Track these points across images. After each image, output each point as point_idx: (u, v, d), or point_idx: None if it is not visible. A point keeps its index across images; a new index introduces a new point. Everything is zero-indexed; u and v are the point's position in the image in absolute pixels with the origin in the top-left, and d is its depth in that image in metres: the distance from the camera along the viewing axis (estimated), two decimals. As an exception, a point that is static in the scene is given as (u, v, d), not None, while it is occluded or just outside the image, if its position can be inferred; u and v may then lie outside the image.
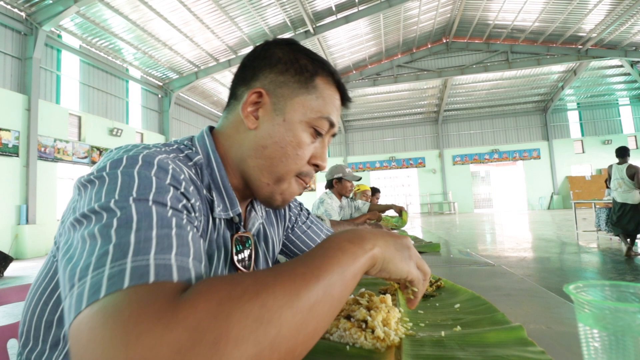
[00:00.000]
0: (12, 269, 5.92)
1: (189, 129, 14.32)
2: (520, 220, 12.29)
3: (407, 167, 20.33)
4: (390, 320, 0.58)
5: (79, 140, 9.57)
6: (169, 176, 0.42)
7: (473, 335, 0.54)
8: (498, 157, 19.53)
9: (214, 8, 9.82)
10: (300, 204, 0.86)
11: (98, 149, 9.93)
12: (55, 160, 8.67)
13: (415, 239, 1.83)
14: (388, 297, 0.62)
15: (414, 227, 11.37)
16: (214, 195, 0.53)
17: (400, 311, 0.63)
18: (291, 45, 0.57)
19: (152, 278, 0.30)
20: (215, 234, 0.54)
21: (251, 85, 0.55)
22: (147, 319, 0.26)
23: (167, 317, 0.26)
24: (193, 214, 0.44)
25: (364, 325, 0.56)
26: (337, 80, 0.58)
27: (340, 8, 11.62)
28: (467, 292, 0.78)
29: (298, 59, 0.55)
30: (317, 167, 0.58)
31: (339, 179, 2.95)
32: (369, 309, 0.61)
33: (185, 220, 0.39)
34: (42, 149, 8.29)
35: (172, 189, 0.41)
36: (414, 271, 0.47)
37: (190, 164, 0.52)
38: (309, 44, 12.90)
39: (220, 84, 14.22)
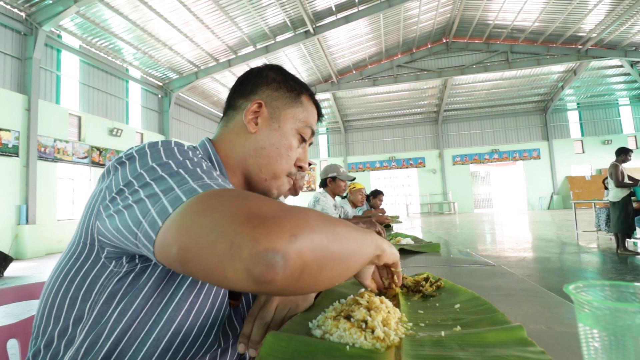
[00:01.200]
0: (12, 269, 5.92)
1: (189, 129, 14.32)
2: (520, 220, 12.29)
3: (407, 167, 20.34)
4: (390, 321, 0.58)
5: (79, 140, 9.57)
6: (198, 154, 0.53)
7: (473, 335, 0.54)
8: (498, 157, 19.53)
9: (214, 8, 9.83)
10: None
11: (98, 149, 9.93)
12: (55, 160, 8.67)
13: (415, 239, 1.83)
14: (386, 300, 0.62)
15: (414, 227, 11.37)
16: None
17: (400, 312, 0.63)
18: (280, 69, 0.71)
19: (216, 187, 0.40)
20: None
21: (251, 98, 0.67)
22: (245, 194, 0.37)
23: (259, 195, 0.38)
24: None
25: (363, 326, 0.56)
26: (315, 100, 0.74)
27: (340, 8, 11.62)
28: (467, 292, 0.78)
29: (288, 80, 0.69)
30: (301, 169, 0.70)
31: (333, 178, 2.99)
32: (368, 309, 0.61)
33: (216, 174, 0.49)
34: (42, 149, 8.29)
35: (203, 161, 0.51)
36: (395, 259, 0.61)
37: None
38: (309, 44, 12.92)
39: (220, 84, 14.22)
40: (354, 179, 3.11)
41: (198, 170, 0.44)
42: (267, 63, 0.74)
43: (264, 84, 0.68)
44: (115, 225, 0.43)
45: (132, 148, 0.51)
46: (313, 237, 0.34)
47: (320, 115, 0.75)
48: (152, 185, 0.41)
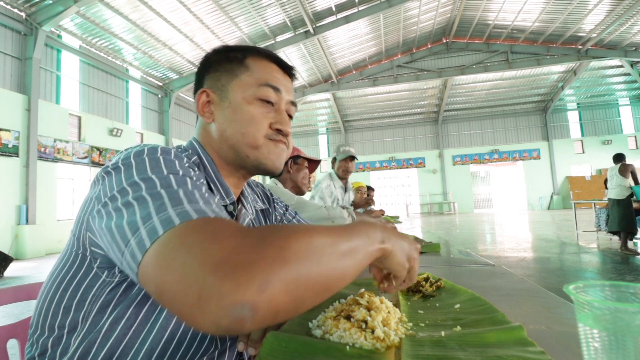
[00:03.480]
0: (12, 269, 5.92)
1: (189, 129, 14.31)
2: (520, 221, 12.29)
3: (407, 167, 20.34)
4: (390, 321, 0.58)
5: (79, 140, 9.57)
6: (184, 161, 0.51)
7: (473, 335, 0.54)
8: (498, 157, 19.53)
9: (214, 8, 9.83)
10: (286, 205, 0.91)
11: (98, 149, 9.93)
12: (55, 160, 8.67)
13: (415, 238, 1.83)
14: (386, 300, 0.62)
15: (414, 227, 11.37)
16: (212, 187, 0.61)
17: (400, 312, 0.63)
18: (220, 49, 0.66)
19: (195, 216, 0.37)
20: None
21: (198, 91, 0.65)
22: (221, 230, 0.34)
23: (236, 229, 0.35)
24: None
25: (363, 326, 0.56)
26: (267, 54, 0.65)
27: (340, 8, 11.62)
28: (467, 292, 0.78)
29: (227, 54, 0.64)
30: (280, 132, 0.63)
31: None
32: (368, 309, 0.61)
33: (204, 189, 0.47)
34: (42, 149, 8.29)
35: (191, 170, 0.49)
36: (403, 274, 0.54)
37: (191, 161, 0.59)
38: (309, 44, 12.91)
39: (220, 84, 14.22)
40: (353, 157, 2.82)
41: (180, 192, 0.41)
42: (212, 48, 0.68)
43: (205, 72, 0.65)
44: (103, 242, 0.43)
45: (120, 154, 0.49)
46: (289, 275, 0.32)
47: (284, 68, 0.66)
48: (134, 208, 0.40)
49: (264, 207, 0.81)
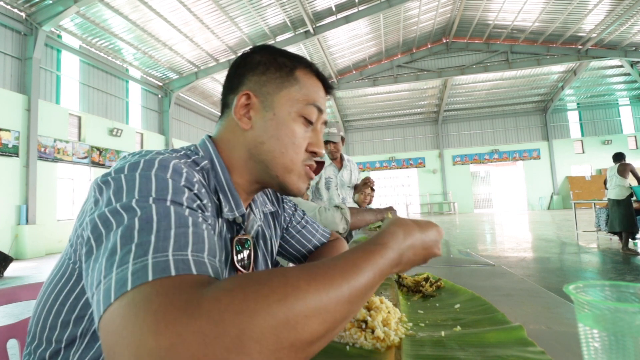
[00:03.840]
0: (12, 269, 5.92)
1: (189, 129, 14.31)
2: (520, 221, 12.29)
3: (407, 167, 20.34)
4: (390, 321, 0.58)
5: (79, 140, 9.57)
6: (183, 178, 0.45)
7: (473, 335, 0.54)
8: (498, 157, 19.53)
9: (214, 8, 9.83)
10: (295, 205, 0.88)
11: (98, 149, 9.93)
12: (55, 160, 8.67)
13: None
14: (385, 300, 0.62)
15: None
16: (220, 197, 0.57)
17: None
18: (267, 48, 0.62)
19: (173, 272, 0.32)
20: (221, 236, 0.58)
21: (239, 91, 0.59)
22: (174, 309, 0.28)
23: (192, 308, 0.28)
24: (207, 213, 0.47)
25: (363, 326, 0.56)
26: (316, 71, 0.62)
27: (340, 8, 11.62)
28: (467, 292, 0.78)
29: (276, 58, 0.60)
30: (315, 154, 0.61)
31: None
32: (368, 309, 0.61)
33: (200, 219, 0.41)
34: (42, 149, 8.29)
35: (186, 190, 0.44)
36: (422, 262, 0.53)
37: (197, 168, 0.54)
38: (309, 44, 12.91)
39: (220, 84, 14.20)
40: (331, 136, 2.55)
41: (171, 231, 0.36)
42: (257, 45, 0.64)
43: (249, 71, 0.60)
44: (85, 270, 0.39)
45: (117, 163, 0.46)
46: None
47: (328, 88, 0.64)
48: (118, 238, 0.35)
49: (273, 210, 0.78)
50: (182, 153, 0.55)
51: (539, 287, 0.84)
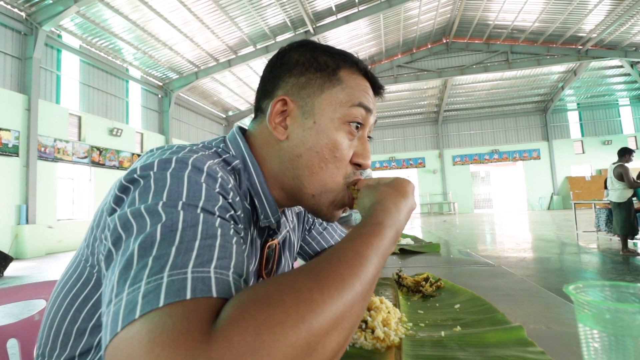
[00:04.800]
0: (12, 269, 5.92)
1: (189, 129, 14.31)
2: (520, 221, 12.29)
3: (407, 168, 20.33)
4: (390, 321, 0.58)
5: (79, 140, 9.57)
6: (218, 184, 0.41)
7: (473, 335, 0.54)
8: (498, 158, 19.53)
9: (214, 8, 9.83)
10: None
11: (98, 149, 9.93)
12: (55, 160, 8.67)
13: (415, 239, 1.84)
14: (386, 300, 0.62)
15: (414, 227, 11.37)
16: (255, 202, 0.52)
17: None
18: (307, 45, 0.54)
19: (189, 294, 0.28)
20: (252, 242, 0.53)
21: (274, 96, 0.52)
22: (180, 353, 0.24)
23: (200, 351, 0.24)
24: (239, 225, 0.42)
25: (363, 326, 0.56)
26: (364, 69, 0.54)
27: (340, 8, 11.62)
28: (467, 292, 0.78)
29: (316, 56, 0.52)
30: (359, 167, 0.53)
31: None
32: (368, 309, 0.61)
33: (232, 231, 0.37)
34: (42, 149, 8.29)
35: (221, 198, 0.39)
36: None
37: (228, 168, 0.49)
38: (309, 44, 12.90)
39: (220, 84, 14.22)
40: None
41: (195, 243, 0.32)
42: (296, 41, 0.56)
43: (286, 72, 0.52)
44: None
45: (154, 155, 0.42)
46: None
47: (377, 88, 0.56)
48: (136, 248, 0.32)
49: (297, 211, 0.73)
50: (213, 150, 0.50)
51: (539, 287, 0.84)
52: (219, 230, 0.35)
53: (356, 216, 2.06)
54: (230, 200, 0.41)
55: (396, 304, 0.75)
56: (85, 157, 9.54)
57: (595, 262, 4.86)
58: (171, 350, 0.24)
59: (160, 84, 12.61)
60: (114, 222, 0.36)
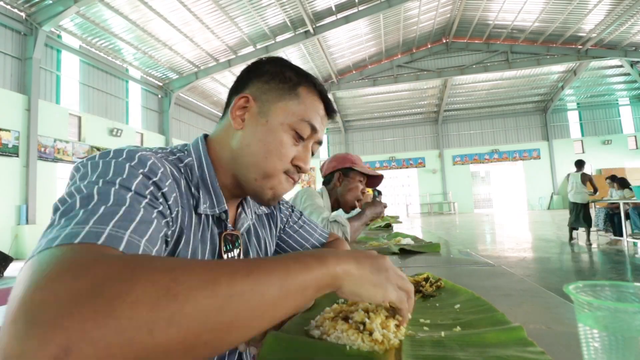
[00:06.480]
0: (12, 269, 5.91)
1: (189, 129, 14.31)
2: (520, 220, 12.28)
3: (407, 167, 20.34)
4: (390, 324, 0.57)
5: (79, 140, 9.57)
6: (146, 168, 0.47)
7: (473, 335, 0.54)
8: (498, 157, 19.53)
9: (214, 8, 9.83)
10: (292, 206, 0.90)
11: (98, 149, 9.92)
12: (55, 160, 8.67)
13: (415, 239, 1.83)
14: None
15: (414, 227, 11.37)
16: (200, 192, 0.58)
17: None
18: (279, 61, 0.63)
19: (78, 239, 0.34)
20: (201, 229, 0.59)
21: (240, 93, 0.62)
22: (63, 268, 0.29)
23: (78, 268, 0.28)
24: (163, 202, 0.48)
25: (362, 327, 0.56)
26: (320, 91, 0.63)
27: (340, 8, 11.62)
28: (467, 292, 0.78)
29: (284, 71, 0.61)
30: (299, 169, 0.62)
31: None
32: (367, 311, 0.61)
33: (144, 203, 0.43)
34: (42, 149, 8.29)
35: (141, 176, 0.46)
36: (393, 293, 0.46)
37: (180, 165, 0.58)
38: (309, 44, 12.91)
39: (220, 84, 14.22)
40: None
41: (100, 206, 0.38)
42: (272, 56, 0.66)
43: (255, 77, 0.62)
44: None
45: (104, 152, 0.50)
46: (107, 337, 0.24)
47: (330, 111, 0.65)
48: (61, 214, 0.40)
49: (267, 212, 0.79)
50: (168, 150, 0.59)
51: (539, 287, 0.84)
52: (128, 201, 0.41)
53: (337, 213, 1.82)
54: (155, 180, 0.47)
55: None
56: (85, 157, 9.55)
57: (595, 262, 4.85)
58: (60, 264, 0.29)
59: (160, 84, 12.61)
60: (55, 203, 0.43)
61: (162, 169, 0.50)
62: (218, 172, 0.62)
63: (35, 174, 7.95)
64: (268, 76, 0.61)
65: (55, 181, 8.70)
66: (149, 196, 0.45)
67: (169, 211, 0.49)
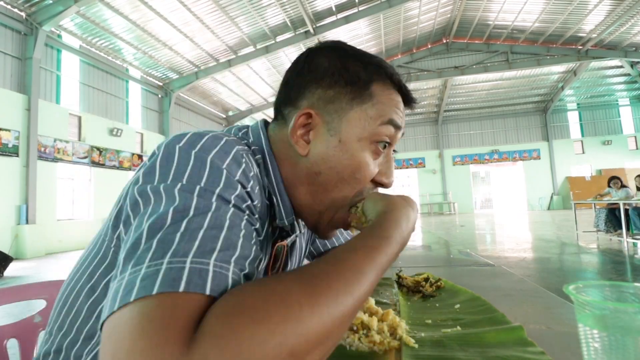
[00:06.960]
0: (12, 269, 5.91)
1: (189, 129, 14.18)
2: (520, 221, 12.29)
3: (407, 168, 20.33)
4: (387, 327, 0.57)
5: (79, 140, 9.57)
6: (240, 171, 0.39)
7: (473, 335, 0.54)
8: (498, 158, 19.54)
9: (214, 8, 9.83)
10: None
11: (98, 149, 9.93)
12: (55, 160, 8.67)
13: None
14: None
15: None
16: (273, 199, 0.49)
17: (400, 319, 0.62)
18: (337, 50, 0.50)
19: (182, 287, 0.27)
20: (263, 237, 0.52)
21: (298, 105, 0.49)
22: (160, 347, 0.24)
23: (181, 349, 0.24)
24: (255, 216, 0.41)
25: (355, 328, 0.56)
26: (398, 81, 0.50)
27: (340, 8, 11.62)
28: (467, 292, 0.78)
29: (347, 66, 0.48)
30: (381, 185, 0.51)
31: None
32: (365, 312, 0.61)
33: (244, 222, 0.36)
34: (42, 149, 8.29)
35: (239, 186, 0.38)
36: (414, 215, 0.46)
37: (255, 157, 0.47)
38: (309, 44, 12.91)
39: (220, 84, 14.22)
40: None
41: (200, 232, 0.32)
42: (323, 41, 0.52)
43: (313, 82, 0.49)
44: None
45: (172, 137, 0.41)
46: None
47: (409, 101, 0.52)
48: (146, 228, 0.32)
49: None
50: (240, 135, 0.50)
51: (539, 287, 0.84)
52: (228, 222, 0.34)
53: None
54: (248, 189, 0.40)
55: (395, 304, 0.75)
56: (85, 157, 9.54)
57: (595, 262, 4.86)
58: (153, 350, 0.24)
59: (160, 84, 12.60)
60: (133, 197, 0.37)
61: (252, 172, 0.41)
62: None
63: (35, 174, 7.95)
64: (330, 79, 0.48)
65: (55, 181, 8.69)
66: (246, 212, 0.38)
67: (257, 224, 0.41)
